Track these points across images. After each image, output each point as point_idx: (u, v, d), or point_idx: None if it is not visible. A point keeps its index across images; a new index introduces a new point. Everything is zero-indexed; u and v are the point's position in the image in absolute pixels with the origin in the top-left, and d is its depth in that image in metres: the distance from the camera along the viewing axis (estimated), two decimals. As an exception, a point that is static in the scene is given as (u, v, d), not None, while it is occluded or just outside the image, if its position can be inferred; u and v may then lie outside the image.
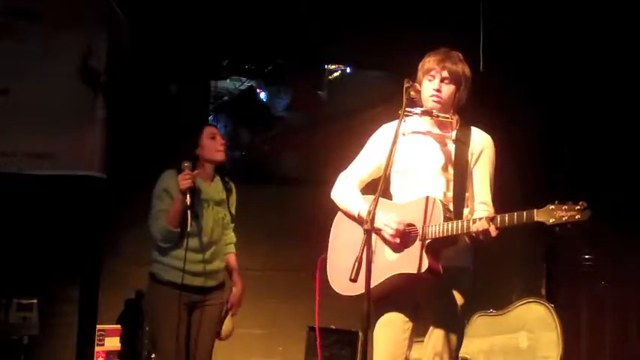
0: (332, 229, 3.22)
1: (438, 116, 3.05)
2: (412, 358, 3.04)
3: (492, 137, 3.15)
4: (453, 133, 3.11)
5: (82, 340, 5.03)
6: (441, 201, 2.92)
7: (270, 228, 5.76)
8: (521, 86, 5.85)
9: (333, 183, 3.22)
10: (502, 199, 3.10)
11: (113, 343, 5.00)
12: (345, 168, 3.25)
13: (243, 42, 5.65)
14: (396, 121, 2.92)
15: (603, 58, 5.51)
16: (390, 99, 3.66)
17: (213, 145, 4.06)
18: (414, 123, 3.16)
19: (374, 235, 2.94)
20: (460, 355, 3.08)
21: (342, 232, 3.16)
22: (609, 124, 5.73)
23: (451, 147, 3.09)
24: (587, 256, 6.00)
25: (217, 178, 4.14)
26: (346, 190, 3.16)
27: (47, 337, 4.84)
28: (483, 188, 3.07)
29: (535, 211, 2.68)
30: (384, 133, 3.16)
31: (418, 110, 3.04)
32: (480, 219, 2.80)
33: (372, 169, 3.18)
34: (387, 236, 2.94)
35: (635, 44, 5.25)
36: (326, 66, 6.94)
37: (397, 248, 2.95)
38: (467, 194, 3.05)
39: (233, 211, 4.19)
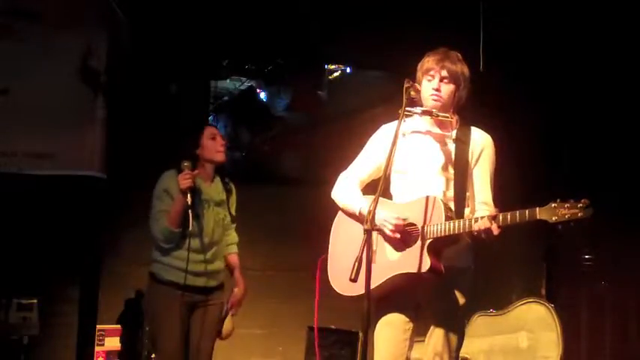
0: (332, 229, 3.22)
1: (438, 115, 3.05)
2: (413, 357, 3.04)
3: (492, 137, 3.15)
4: (453, 133, 3.11)
5: (82, 340, 5.03)
6: (441, 200, 2.92)
7: (270, 228, 5.76)
8: (521, 86, 5.85)
9: (334, 183, 3.23)
10: (502, 199, 3.10)
11: (113, 343, 5.00)
12: (345, 168, 3.25)
13: (243, 42, 5.65)
14: (396, 122, 2.92)
15: (603, 57, 5.51)
16: (390, 99, 3.66)
17: (213, 145, 4.05)
18: (414, 123, 3.16)
19: (375, 235, 2.95)
20: (460, 355, 3.08)
21: (342, 232, 3.16)
22: (609, 124, 5.73)
23: (451, 146, 3.09)
24: (587, 256, 6.00)
25: (217, 179, 4.13)
26: (347, 189, 3.17)
27: (47, 337, 4.84)
28: (484, 188, 3.07)
29: (537, 209, 2.68)
30: (383, 134, 3.16)
31: (418, 110, 3.04)
32: (482, 217, 2.80)
33: (372, 169, 3.18)
34: (387, 232, 2.93)
35: (635, 44, 5.25)
36: (326, 66, 6.93)
37: (398, 247, 2.95)
38: (467, 194, 3.05)
39: (233, 211, 4.19)
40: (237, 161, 6.58)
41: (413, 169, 3.09)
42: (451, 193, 3.03)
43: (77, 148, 5.00)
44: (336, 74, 7.06)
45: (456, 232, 2.84)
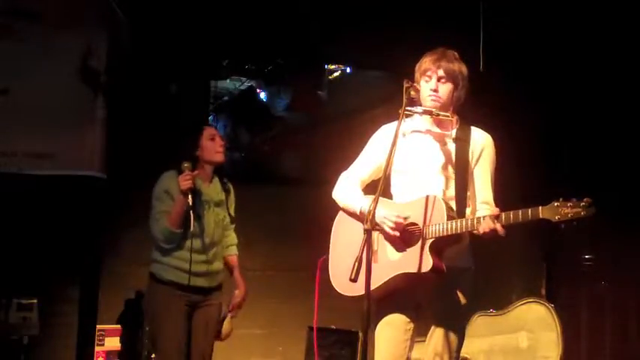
0: (333, 228, 3.22)
1: (438, 115, 3.05)
2: (413, 358, 3.04)
3: (493, 137, 3.15)
4: (453, 132, 3.11)
5: (82, 340, 5.03)
6: (442, 199, 2.92)
7: (270, 228, 5.76)
8: (521, 86, 5.85)
9: (334, 183, 3.23)
10: (502, 199, 3.10)
11: (113, 343, 5.00)
12: (346, 168, 3.25)
13: (243, 42, 5.65)
14: (396, 122, 2.92)
15: (603, 57, 5.51)
16: (390, 99, 3.67)
17: (212, 146, 4.05)
18: (414, 122, 3.16)
19: (376, 235, 2.96)
20: (460, 355, 3.08)
21: (343, 232, 3.16)
22: (609, 123, 5.73)
23: (451, 146, 3.09)
24: (587, 256, 6.00)
25: (216, 179, 4.13)
26: (347, 188, 3.17)
27: (47, 337, 4.84)
28: (485, 188, 3.07)
29: (540, 208, 2.69)
30: (383, 134, 3.16)
31: (419, 109, 3.04)
32: (484, 217, 2.80)
33: (372, 169, 3.18)
34: (387, 229, 2.93)
35: (635, 44, 5.25)
36: (326, 66, 6.93)
37: (400, 247, 2.95)
38: (468, 193, 3.05)
39: (232, 212, 4.19)
40: (237, 161, 6.58)
41: (413, 169, 3.09)
42: (451, 192, 3.03)
43: (77, 148, 5.00)
44: (336, 74, 7.06)
45: (458, 231, 2.84)
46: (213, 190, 4.08)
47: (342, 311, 3.77)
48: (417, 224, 2.92)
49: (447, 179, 3.05)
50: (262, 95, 7.37)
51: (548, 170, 6.11)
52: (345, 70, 6.99)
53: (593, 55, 5.53)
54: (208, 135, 4.07)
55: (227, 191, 4.16)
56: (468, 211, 3.03)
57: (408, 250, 2.92)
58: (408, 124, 3.13)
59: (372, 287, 2.70)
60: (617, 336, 5.81)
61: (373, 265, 2.72)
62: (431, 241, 2.86)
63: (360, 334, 2.74)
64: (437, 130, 3.13)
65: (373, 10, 5.34)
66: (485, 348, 5.30)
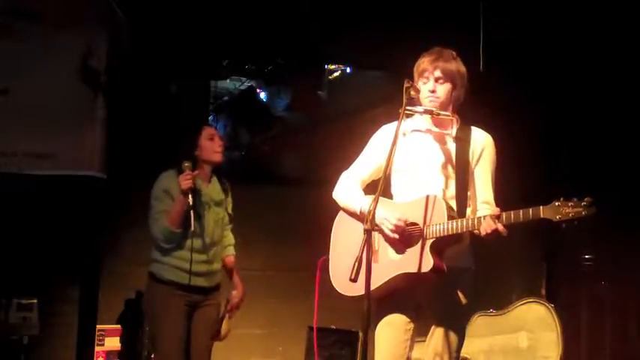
0: (333, 228, 3.21)
1: (439, 114, 3.05)
2: (413, 358, 3.04)
3: (493, 137, 3.15)
4: (454, 132, 3.10)
5: (82, 340, 5.03)
6: (442, 199, 2.92)
7: (270, 228, 5.76)
8: (521, 86, 5.85)
9: (334, 183, 3.22)
10: (502, 199, 3.10)
11: (113, 343, 5.00)
12: (346, 168, 3.25)
13: (243, 42, 5.65)
14: (396, 122, 2.92)
15: (603, 57, 5.50)
16: (390, 99, 3.66)
17: (211, 146, 4.05)
18: (414, 122, 3.16)
19: (377, 235, 2.95)
20: (460, 355, 3.08)
21: (343, 232, 3.16)
22: (609, 123, 5.73)
23: (451, 145, 3.08)
24: (587, 256, 6.00)
25: (215, 179, 4.14)
26: (348, 188, 3.16)
27: (47, 337, 4.84)
28: (485, 187, 3.07)
29: (541, 207, 2.69)
30: (384, 134, 3.16)
31: (420, 109, 3.03)
32: (485, 217, 2.80)
33: (372, 169, 3.17)
34: (386, 231, 2.93)
35: (635, 44, 5.25)
36: (326, 66, 6.93)
37: (399, 247, 2.95)
38: (468, 193, 3.05)
39: (230, 211, 4.20)
40: (237, 161, 6.58)
41: (413, 168, 3.08)
42: (451, 191, 3.02)
43: (77, 148, 5.00)
44: (336, 74, 7.06)
45: (459, 231, 2.84)
46: (212, 189, 4.09)
47: (342, 311, 3.77)
48: (417, 224, 2.92)
49: (447, 179, 3.04)
50: (262, 95, 7.37)
51: (548, 170, 6.11)
52: (345, 70, 6.99)
53: (593, 55, 5.53)
54: (207, 135, 4.07)
55: (225, 191, 4.17)
56: (469, 210, 3.02)
57: (408, 250, 2.91)
58: (408, 124, 3.13)
59: (373, 287, 2.70)
60: (617, 336, 5.81)
61: (373, 265, 2.72)
62: (431, 241, 2.85)
63: (360, 334, 2.73)
64: (437, 129, 3.12)
65: (373, 10, 5.34)
66: (485, 348, 5.30)
